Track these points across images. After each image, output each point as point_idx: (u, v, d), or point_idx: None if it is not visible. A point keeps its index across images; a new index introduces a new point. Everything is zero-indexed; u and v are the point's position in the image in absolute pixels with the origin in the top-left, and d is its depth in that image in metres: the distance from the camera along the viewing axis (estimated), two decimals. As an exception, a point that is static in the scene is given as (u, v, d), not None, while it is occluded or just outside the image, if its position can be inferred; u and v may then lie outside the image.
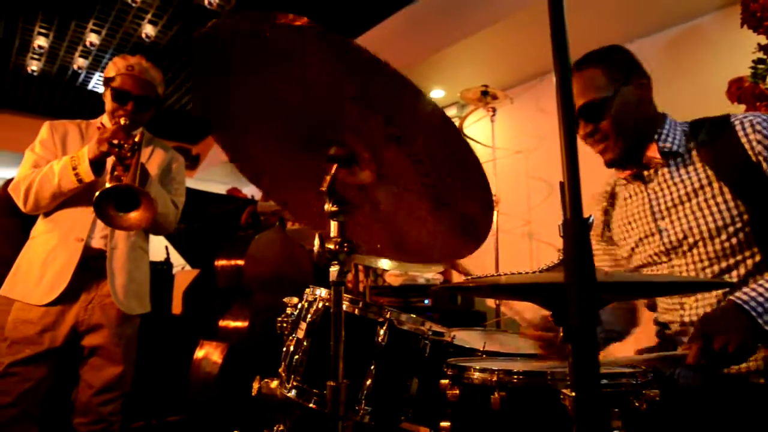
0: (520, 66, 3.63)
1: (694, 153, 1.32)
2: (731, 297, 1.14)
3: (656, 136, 1.35)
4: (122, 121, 1.75)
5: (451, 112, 4.29)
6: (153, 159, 1.98)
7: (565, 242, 0.49)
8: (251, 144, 0.99)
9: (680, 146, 1.33)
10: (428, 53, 3.59)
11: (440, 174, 0.86)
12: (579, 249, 0.48)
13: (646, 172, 1.39)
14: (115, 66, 1.88)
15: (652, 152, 1.36)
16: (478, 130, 3.81)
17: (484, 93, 3.29)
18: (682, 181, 1.32)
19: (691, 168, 1.31)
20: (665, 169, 1.35)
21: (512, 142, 3.73)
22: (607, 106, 1.34)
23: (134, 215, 1.63)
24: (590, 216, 0.49)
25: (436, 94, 4.13)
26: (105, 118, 1.95)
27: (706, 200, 1.26)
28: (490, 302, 3.54)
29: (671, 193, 1.34)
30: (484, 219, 0.87)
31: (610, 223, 1.53)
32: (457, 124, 3.75)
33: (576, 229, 0.48)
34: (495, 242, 3.28)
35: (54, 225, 1.80)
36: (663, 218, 1.35)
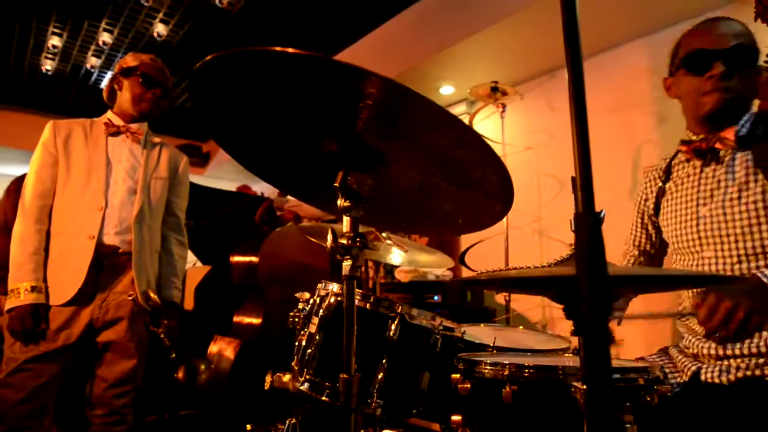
0: (531, 62, 3.62)
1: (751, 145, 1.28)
2: (755, 272, 1.12)
3: (739, 120, 1.31)
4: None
5: (460, 109, 4.28)
6: (161, 160, 2.01)
7: (577, 235, 0.49)
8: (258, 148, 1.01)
9: (746, 133, 1.29)
10: (437, 49, 3.59)
11: (451, 158, 0.88)
12: (591, 242, 0.48)
13: (720, 150, 1.33)
14: (137, 58, 1.97)
15: (728, 134, 1.31)
16: (488, 126, 3.80)
17: (494, 89, 3.28)
18: (729, 172, 1.28)
19: (739, 161, 1.27)
20: (723, 156, 1.31)
21: (522, 138, 3.71)
22: (754, 60, 1.30)
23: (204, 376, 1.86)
24: (602, 210, 0.50)
25: (446, 90, 4.13)
26: (110, 114, 1.97)
27: (747, 196, 1.23)
28: (500, 299, 3.54)
29: (718, 182, 1.30)
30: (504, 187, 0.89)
31: (661, 200, 1.49)
32: (466, 120, 3.75)
33: (588, 223, 0.48)
34: (505, 239, 3.28)
35: (64, 225, 1.81)
36: (705, 205, 1.32)
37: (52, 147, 1.85)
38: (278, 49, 0.70)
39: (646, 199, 1.54)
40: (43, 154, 1.85)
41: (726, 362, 1.22)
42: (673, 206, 1.42)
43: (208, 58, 0.73)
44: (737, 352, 1.21)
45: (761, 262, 1.21)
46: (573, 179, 0.49)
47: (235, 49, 0.72)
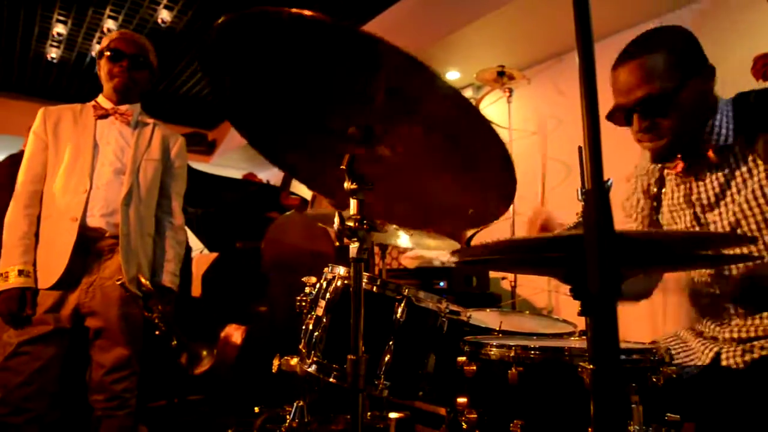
0: (538, 46, 3.57)
1: (739, 138, 1.19)
2: None
3: (710, 132, 1.20)
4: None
5: (466, 94, 4.24)
6: (153, 142, 1.97)
7: (585, 211, 0.49)
8: (268, 127, 1.01)
9: (730, 136, 1.19)
10: (443, 34, 3.55)
11: (457, 143, 0.87)
12: (600, 217, 0.48)
13: (709, 159, 1.24)
14: (108, 37, 1.96)
15: (709, 152, 1.21)
16: (495, 111, 3.77)
17: (501, 73, 3.24)
18: (731, 170, 1.20)
19: (738, 154, 1.19)
20: (715, 166, 1.23)
21: (529, 123, 3.68)
22: (671, 100, 1.16)
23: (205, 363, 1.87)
24: (609, 179, 0.49)
25: (452, 75, 4.09)
26: (101, 98, 1.96)
27: (753, 190, 1.15)
28: (506, 284, 3.54)
29: (720, 185, 1.22)
30: (507, 180, 0.87)
31: (660, 208, 1.40)
32: (473, 105, 3.72)
33: (597, 197, 0.48)
34: (511, 224, 3.27)
35: (52, 209, 1.79)
36: (712, 210, 1.25)
37: (42, 133, 1.85)
38: (294, 10, 0.69)
39: (638, 201, 1.46)
40: (33, 140, 1.85)
41: (748, 345, 1.19)
42: (675, 219, 1.34)
43: (221, 20, 0.72)
44: (760, 333, 1.19)
45: None
46: (580, 149, 0.48)
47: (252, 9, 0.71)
